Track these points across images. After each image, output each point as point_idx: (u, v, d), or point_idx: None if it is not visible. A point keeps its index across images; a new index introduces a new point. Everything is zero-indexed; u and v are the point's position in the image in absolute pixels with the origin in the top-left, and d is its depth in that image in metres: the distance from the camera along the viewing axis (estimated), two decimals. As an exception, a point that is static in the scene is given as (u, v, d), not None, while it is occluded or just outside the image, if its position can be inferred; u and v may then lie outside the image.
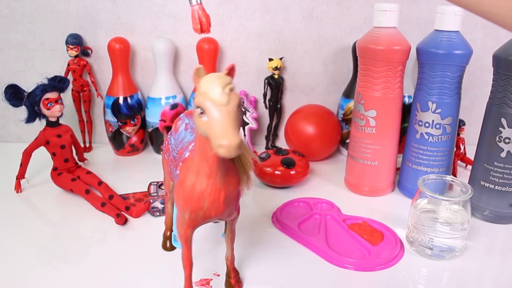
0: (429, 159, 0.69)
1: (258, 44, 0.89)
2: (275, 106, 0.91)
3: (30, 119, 0.70)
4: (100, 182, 0.71)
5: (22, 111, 0.70)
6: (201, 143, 0.40)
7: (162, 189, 0.74)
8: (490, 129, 0.64)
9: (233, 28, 0.88)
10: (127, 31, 0.88)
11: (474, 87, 0.91)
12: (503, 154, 0.62)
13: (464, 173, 0.81)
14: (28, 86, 0.70)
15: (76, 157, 0.77)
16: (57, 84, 0.70)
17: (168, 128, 0.88)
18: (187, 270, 0.47)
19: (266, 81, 0.89)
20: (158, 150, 0.90)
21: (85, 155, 0.86)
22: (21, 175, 0.74)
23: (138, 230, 0.63)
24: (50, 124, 0.71)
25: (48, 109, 0.69)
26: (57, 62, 0.89)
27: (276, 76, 0.88)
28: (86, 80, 0.89)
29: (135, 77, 0.91)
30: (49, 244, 0.60)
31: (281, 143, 0.94)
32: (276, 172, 0.74)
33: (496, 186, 0.64)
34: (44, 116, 0.70)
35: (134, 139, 0.89)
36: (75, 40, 0.85)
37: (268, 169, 0.74)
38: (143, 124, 0.89)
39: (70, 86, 0.87)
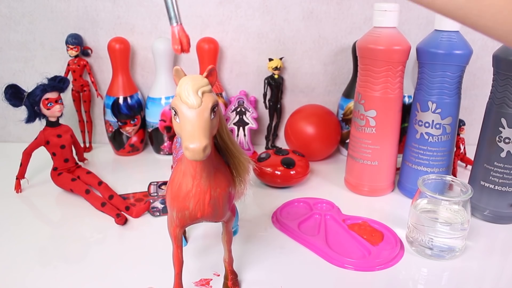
0: (429, 159, 0.69)
1: (258, 44, 0.89)
2: (275, 106, 0.91)
3: (30, 119, 0.70)
4: (100, 182, 0.71)
5: (22, 111, 0.70)
6: None
7: (162, 189, 0.74)
8: (490, 129, 0.63)
9: (233, 28, 0.88)
10: (127, 31, 0.88)
11: (474, 87, 0.91)
12: (503, 154, 0.62)
13: (464, 173, 0.81)
14: (28, 86, 0.70)
15: (76, 157, 0.78)
16: (57, 84, 0.70)
17: (168, 128, 0.88)
18: (176, 268, 0.47)
19: (266, 81, 0.89)
20: (158, 150, 0.90)
21: (85, 155, 0.86)
22: (21, 175, 0.74)
23: (138, 230, 0.64)
24: (50, 124, 0.71)
25: (48, 109, 0.69)
26: (57, 62, 0.90)
27: (276, 76, 0.88)
28: (86, 80, 0.89)
29: (135, 77, 0.91)
30: (49, 244, 0.60)
31: (281, 143, 0.94)
32: (276, 172, 0.74)
33: (496, 186, 0.64)
34: (44, 116, 0.70)
35: (134, 139, 0.89)
36: (75, 40, 0.85)
37: (268, 169, 0.74)
38: (143, 124, 0.89)
39: (70, 86, 0.87)
